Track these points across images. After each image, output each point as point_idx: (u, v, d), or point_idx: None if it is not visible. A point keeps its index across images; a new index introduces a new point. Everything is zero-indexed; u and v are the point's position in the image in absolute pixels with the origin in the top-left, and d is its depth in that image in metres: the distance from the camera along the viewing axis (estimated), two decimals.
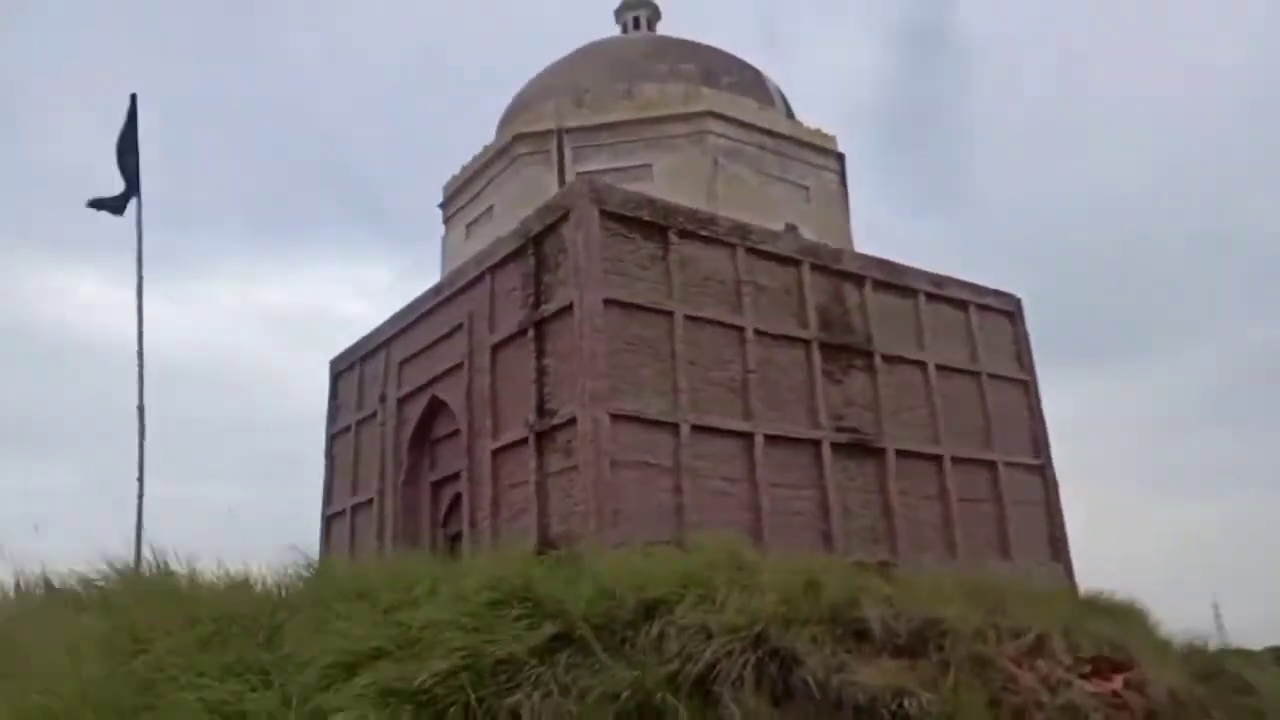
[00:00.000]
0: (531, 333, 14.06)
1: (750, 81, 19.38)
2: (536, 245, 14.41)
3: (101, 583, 6.54)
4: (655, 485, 12.99)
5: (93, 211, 11.98)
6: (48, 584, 6.66)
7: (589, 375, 12.85)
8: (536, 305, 14.15)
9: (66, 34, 68.02)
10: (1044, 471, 17.41)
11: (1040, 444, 17.59)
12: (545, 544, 12.48)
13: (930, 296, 17.17)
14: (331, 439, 19.26)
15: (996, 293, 18.22)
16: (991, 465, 16.68)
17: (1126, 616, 12.57)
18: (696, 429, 13.52)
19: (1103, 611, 12.38)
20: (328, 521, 18.58)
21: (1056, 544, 17.01)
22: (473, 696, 5.51)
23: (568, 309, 13.41)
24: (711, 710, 6.29)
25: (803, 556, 9.76)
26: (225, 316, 67.55)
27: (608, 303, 13.28)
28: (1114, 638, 9.91)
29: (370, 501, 17.20)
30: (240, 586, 6.86)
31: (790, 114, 19.86)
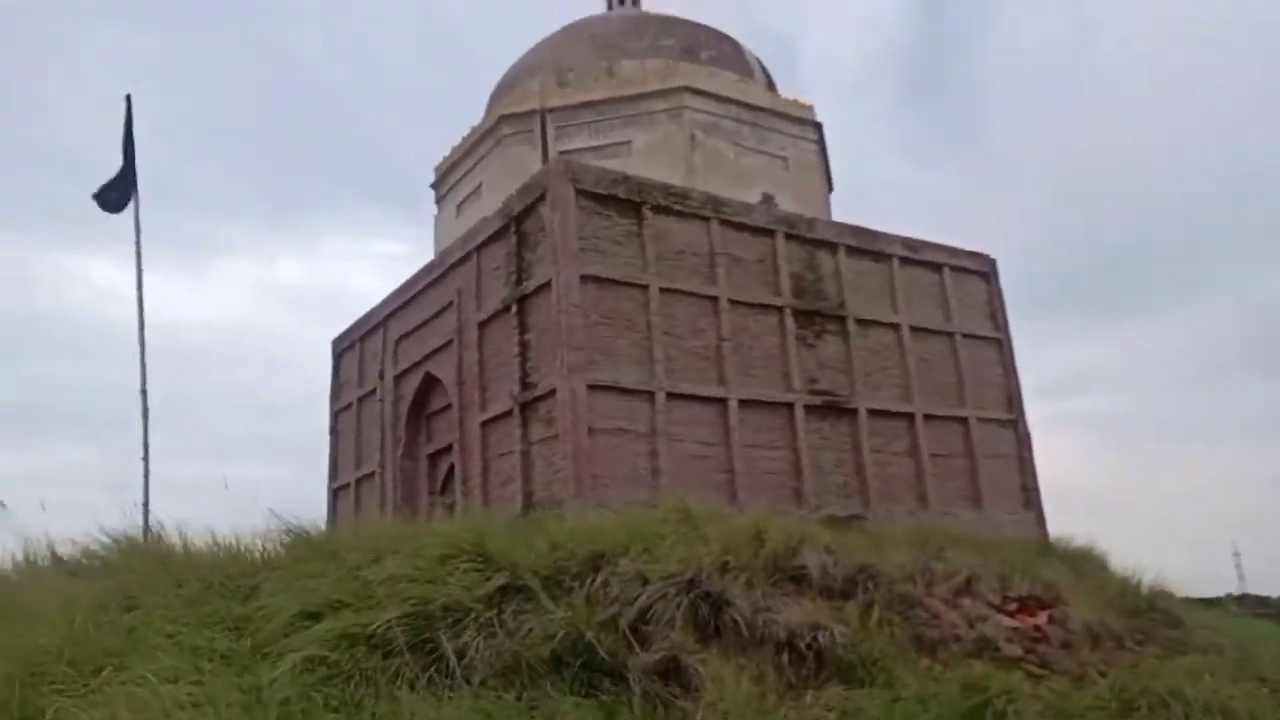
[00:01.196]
0: (514, 309, 14.78)
1: (729, 55, 19.85)
2: (518, 224, 15.09)
3: (101, 552, 7.40)
4: (632, 450, 13.75)
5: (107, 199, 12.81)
6: (52, 554, 7.51)
7: (567, 348, 13.58)
8: (519, 282, 14.86)
9: (80, 18, 68.87)
10: (1016, 426, 18.03)
11: (1013, 399, 18.21)
12: (530, 508, 13.34)
13: (904, 260, 17.72)
14: (336, 415, 20.17)
15: (971, 254, 18.74)
16: (964, 421, 17.33)
17: (1079, 560, 13.34)
18: (672, 396, 14.24)
19: (1056, 556, 13.17)
20: (334, 494, 19.54)
21: (1028, 494, 17.69)
22: (420, 639, 6.29)
23: (547, 286, 14.11)
24: (644, 647, 7.05)
25: (758, 511, 10.48)
26: (244, 296, 68.92)
27: (584, 278, 13.96)
28: (1051, 579, 10.65)
29: (372, 474, 18.13)
30: (228, 552, 7.69)
31: (771, 85, 20.34)
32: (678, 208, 15.24)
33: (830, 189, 21.38)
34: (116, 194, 12.54)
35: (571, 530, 8.56)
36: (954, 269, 18.35)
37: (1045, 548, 13.88)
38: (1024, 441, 18.04)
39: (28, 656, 4.85)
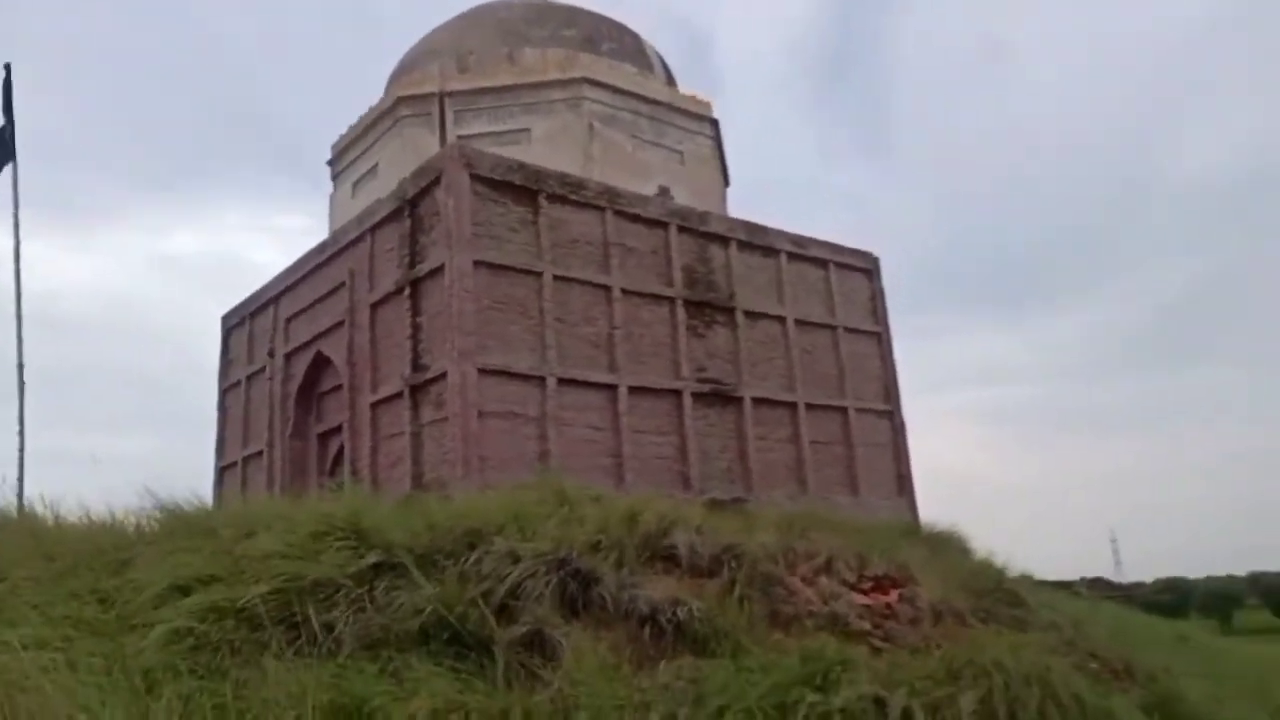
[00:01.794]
0: (407, 291, 14.90)
1: (630, 48, 20.20)
2: (412, 207, 15.19)
3: None
4: (522, 434, 14.06)
5: None
6: None
7: (458, 332, 13.79)
8: (412, 265, 14.98)
9: None
10: (893, 416, 19.00)
11: (891, 391, 19.16)
12: (419, 489, 13.53)
13: (792, 256, 18.43)
14: (224, 393, 19.89)
15: (855, 251, 19.58)
16: (843, 411, 18.17)
17: (941, 543, 14.23)
18: (563, 381, 14.60)
19: (920, 539, 14.03)
20: (221, 473, 19.29)
21: (902, 481, 18.68)
22: (290, 613, 6.52)
23: (440, 270, 14.27)
24: (512, 622, 7.40)
25: (637, 494, 10.94)
26: (135, 266, 66.37)
27: (477, 264, 14.17)
28: (905, 560, 11.39)
29: (260, 453, 17.98)
30: (101, 527, 7.74)
31: (670, 80, 20.77)
32: (574, 197, 15.56)
33: (727, 184, 21.98)
34: None
35: (449, 510, 8.84)
36: (838, 265, 19.16)
37: (911, 531, 14.72)
38: (899, 431, 19.02)
39: None
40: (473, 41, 19.19)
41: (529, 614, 7.57)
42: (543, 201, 15.12)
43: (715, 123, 20.31)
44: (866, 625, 9.29)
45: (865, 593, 10.26)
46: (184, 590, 6.46)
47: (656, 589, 8.34)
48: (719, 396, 16.52)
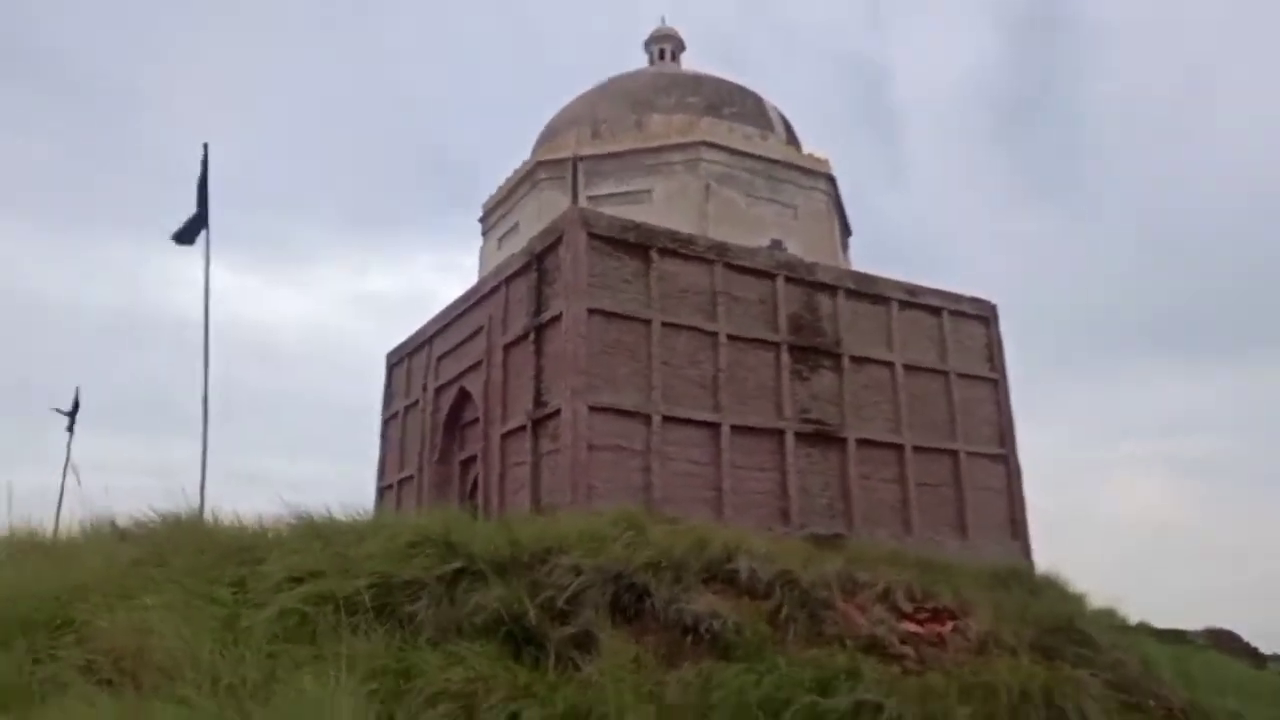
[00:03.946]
0: (533, 336, 16.62)
1: (751, 110, 21.48)
2: (539, 262, 16.96)
3: (150, 524, 9.39)
4: (627, 466, 15.40)
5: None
6: (112, 524, 9.52)
7: (572, 373, 15.35)
8: (537, 313, 16.71)
9: (177, 22, 74.21)
10: (1007, 461, 19.11)
11: (1006, 436, 19.28)
12: (537, 512, 15.09)
13: (903, 304, 19.03)
14: (385, 422, 22.34)
15: (972, 299, 19.92)
16: (954, 454, 18.49)
17: (1037, 586, 14.49)
18: (667, 419, 15.86)
19: (1013, 580, 14.30)
20: (381, 493, 21.66)
21: (1016, 525, 18.74)
22: (383, 604, 8.05)
23: (559, 317, 15.92)
24: (565, 624, 8.68)
25: (733, 525, 12.08)
26: (335, 302, 73.09)
27: (591, 312, 15.72)
28: (974, 597, 11.89)
29: (412, 477, 20.18)
30: (248, 530, 9.61)
31: (792, 139, 21.88)
32: (683, 251, 16.91)
33: (848, 234, 22.76)
34: (189, 231, 14.77)
35: (532, 528, 10.26)
36: (953, 313, 19.57)
37: (1009, 573, 14.99)
38: (1014, 475, 19.10)
39: (74, 589, 6.73)
40: (605, 110, 21.02)
41: (582, 618, 8.85)
42: (654, 256, 16.53)
43: (831, 179, 21.22)
44: (908, 650, 10.01)
45: (920, 622, 10.94)
46: (298, 580, 8.12)
47: (700, 603, 9.43)
48: (822, 436, 17.31)
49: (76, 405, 17.45)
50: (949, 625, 11.03)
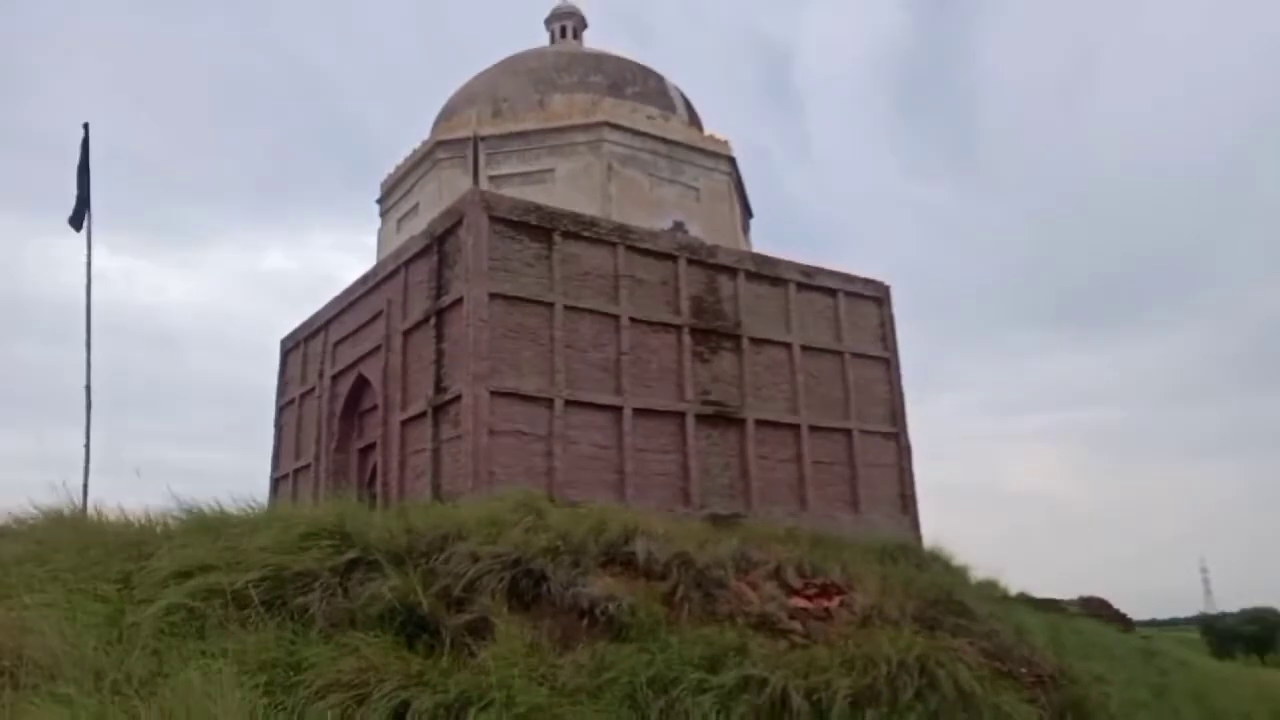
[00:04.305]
0: (433, 320, 16.49)
1: (654, 91, 21.60)
2: (440, 244, 16.80)
3: (31, 521, 9.10)
4: (530, 451, 15.47)
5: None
6: None
7: (473, 358, 15.30)
8: (437, 297, 16.58)
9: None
10: (898, 438, 19.83)
11: (897, 414, 20.00)
12: (437, 500, 15.04)
13: (801, 285, 19.49)
14: (280, 410, 21.87)
15: (865, 280, 20.53)
16: (847, 433, 19.11)
17: (923, 559, 15.17)
18: (570, 403, 15.96)
19: (901, 554, 14.92)
20: (275, 483, 21.23)
21: (906, 500, 19.49)
22: (274, 597, 7.99)
23: (460, 301, 15.82)
24: (462, 612, 8.76)
25: (606, 506, 12.24)
26: (232, 283, 70.86)
27: (493, 296, 15.67)
28: (861, 572, 12.39)
29: (308, 466, 19.82)
30: (135, 525, 9.39)
31: (694, 120, 22.08)
32: (586, 234, 16.97)
33: (750, 215, 23.15)
34: (78, 216, 14.21)
35: (429, 516, 10.28)
36: (848, 294, 20.13)
37: (897, 547, 15.59)
38: (905, 452, 19.84)
39: None
40: (507, 89, 20.86)
41: (479, 605, 8.93)
42: (556, 239, 16.55)
43: (732, 160, 21.52)
44: (796, 625, 10.41)
45: (809, 598, 11.37)
46: (186, 575, 7.99)
47: (596, 586, 9.60)
48: (722, 418, 17.66)
49: None
50: (835, 600, 11.48)
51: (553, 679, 7.58)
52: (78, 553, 8.17)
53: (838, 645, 9.64)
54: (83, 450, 12.51)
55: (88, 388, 12.94)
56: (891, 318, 20.62)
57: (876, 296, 20.64)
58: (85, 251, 13.82)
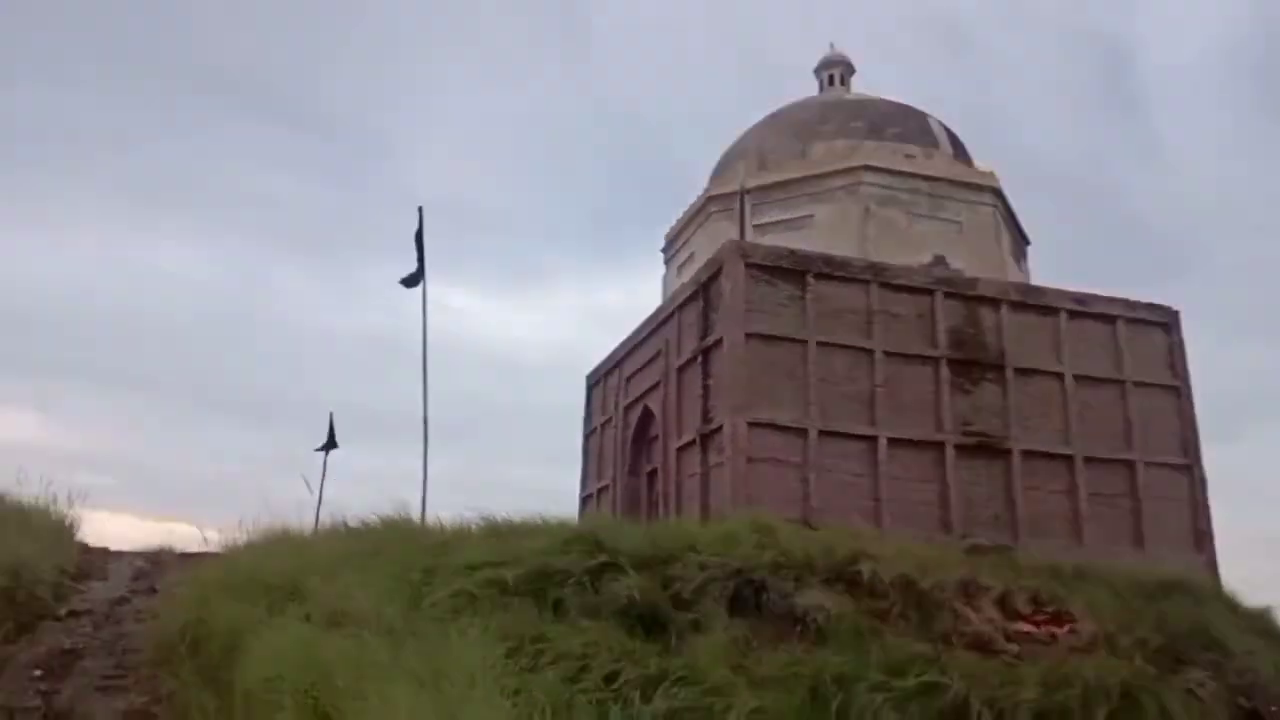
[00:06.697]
0: (700, 358, 18.31)
1: (914, 130, 22.11)
2: (705, 290, 18.64)
3: (372, 524, 11.95)
4: (786, 477, 16.72)
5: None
6: (345, 524, 12.18)
7: (731, 391, 16.90)
8: (703, 337, 18.39)
9: (406, 53, 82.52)
10: (1191, 471, 18.62)
11: (1189, 445, 18.79)
12: (706, 520, 16.73)
13: (1073, 314, 19.07)
14: (586, 437, 24.76)
15: (1150, 306, 19.58)
16: (1130, 464, 18.32)
17: (1202, 597, 14.39)
18: (824, 433, 17.03)
19: (1168, 590, 14.28)
20: (583, 501, 24.06)
21: (1200, 537, 18.24)
22: (538, 589, 10.01)
23: (721, 341, 17.52)
24: (689, 612, 10.27)
25: (838, 529, 13.24)
26: (569, 317, 79.02)
27: (749, 336, 17.19)
28: (1099, 603, 12.23)
29: (607, 487, 22.38)
30: (447, 530, 11.92)
31: (959, 153, 22.27)
32: (838, 274, 18.02)
33: (1027, 242, 22.79)
34: (413, 279, 17.67)
35: (673, 531, 11.95)
36: (1129, 320, 19.33)
37: (1172, 584, 14.90)
38: (1199, 486, 18.59)
39: (301, 567, 9.13)
40: (772, 141, 22.41)
41: (702, 606, 10.41)
42: (810, 280, 17.76)
43: (999, 192, 21.42)
44: (1012, 647, 10.79)
45: (1036, 623, 11.62)
46: (474, 568, 10.21)
47: (809, 597, 10.70)
48: (985, 448, 17.78)
49: (332, 433, 20.73)
50: (1065, 627, 11.58)
51: (747, 669, 8.84)
52: (400, 549, 10.68)
53: (1047, 667, 9.97)
54: (420, 470, 15.55)
55: (425, 419, 16.06)
56: (1181, 344, 19.45)
57: (1163, 322, 19.58)
58: (422, 314, 17.10)
